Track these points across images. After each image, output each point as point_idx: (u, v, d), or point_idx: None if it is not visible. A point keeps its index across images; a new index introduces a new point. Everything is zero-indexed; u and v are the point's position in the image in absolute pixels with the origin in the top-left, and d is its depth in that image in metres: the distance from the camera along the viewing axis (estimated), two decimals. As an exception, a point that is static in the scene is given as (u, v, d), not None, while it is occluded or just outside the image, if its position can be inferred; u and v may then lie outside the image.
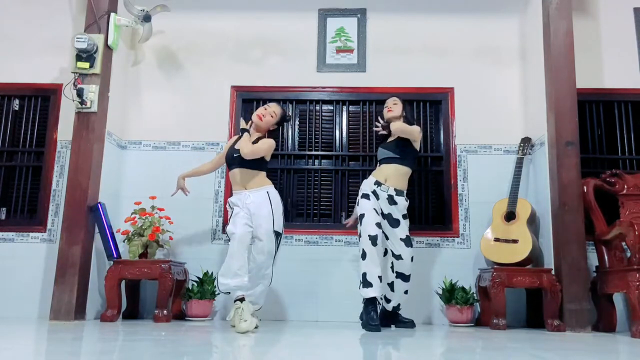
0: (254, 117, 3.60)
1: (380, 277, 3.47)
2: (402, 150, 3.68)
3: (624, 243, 3.55)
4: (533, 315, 3.93)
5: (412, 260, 3.59)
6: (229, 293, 3.32)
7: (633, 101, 4.35)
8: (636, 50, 4.38)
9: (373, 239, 3.48)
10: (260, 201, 3.42)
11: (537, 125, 4.10)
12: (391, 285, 3.63)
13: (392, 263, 3.62)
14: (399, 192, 3.63)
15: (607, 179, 3.93)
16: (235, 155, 3.49)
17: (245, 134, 3.46)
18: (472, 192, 4.28)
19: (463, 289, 3.90)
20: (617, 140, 4.33)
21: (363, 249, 3.49)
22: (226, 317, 3.45)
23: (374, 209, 3.57)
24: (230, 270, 3.25)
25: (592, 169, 4.15)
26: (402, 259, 3.57)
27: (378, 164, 3.79)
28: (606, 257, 3.71)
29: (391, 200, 3.60)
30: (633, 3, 4.46)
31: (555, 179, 3.78)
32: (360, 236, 3.56)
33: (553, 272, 3.70)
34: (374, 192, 3.62)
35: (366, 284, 3.45)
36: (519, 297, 4.03)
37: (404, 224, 3.62)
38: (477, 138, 4.37)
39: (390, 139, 3.78)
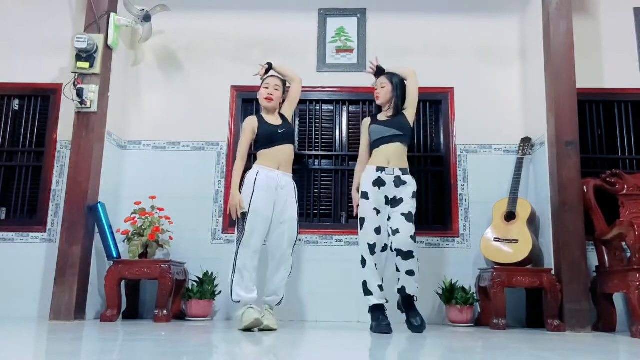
0: (263, 101, 3.52)
1: (380, 287, 3.35)
2: (403, 126, 3.48)
3: (624, 243, 3.55)
4: (533, 315, 3.93)
5: (413, 238, 3.30)
6: (239, 302, 3.31)
7: (633, 101, 4.35)
8: (636, 50, 4.39)
9: (371, 248, 3.33)
10: (289, 188, 3.46)
11: (537, 125, 4.10)
12: (396, 266, 3.33)
13: (391, 241, 3.34)
14: (405, 171, 3.43)
15: (607, 179, 3.93)
16: (280, 131, 3.47)
17: None
18: (472, 192, 4.28)
19: (463, 289, 3.90)
20: (617, 140, 4.33)
21: (362, 256, 3.37)
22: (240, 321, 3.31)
23: (375, 208, 3.36)
24: (244, 284, 3.28)
25: (592, 169, 4.14)
26: (398, 232, 3.29)
27: (373, 147, 3.49)
28: (606, 257, 3.71)
29: (399, 182, 3.39)
30: (633, 3, 4.46)
31: (555, 179, 3.78)
32: (359, 240, 3.41)
33: (553, 272, 3.70)
34: (378, 180, 3.38)
35: (367, 292, 3.36)
36: (519, 297, 4.03)
37: (410, 202, 3.37)
38: (477, 138, 4.37)
39: (386, 116, 3.55)
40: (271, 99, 3.53)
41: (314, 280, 4.16)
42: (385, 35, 4.57)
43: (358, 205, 3.47)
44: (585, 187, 3.81)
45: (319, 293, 4.14)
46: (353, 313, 4.07)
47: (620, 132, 4.34)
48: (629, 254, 3.45)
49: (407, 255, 3.28)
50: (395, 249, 3.30)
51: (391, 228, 3.36)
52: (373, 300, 3.34)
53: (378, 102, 3.61)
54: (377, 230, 3.36)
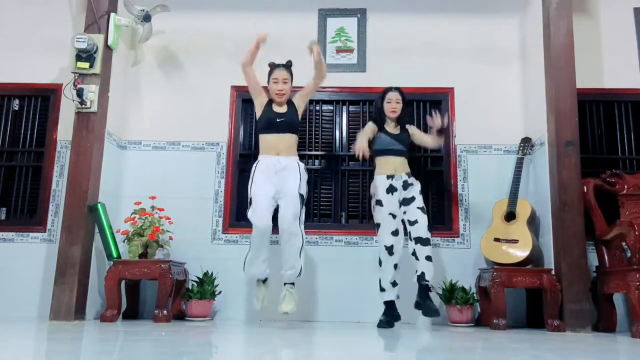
0: (274, 97, 3.58)
1: (393, 283, 3.61)
2: (407, 143, 3.77)
3: (624, 243, 3.55)
4: (533, 315, 3.93)
5: (428, 227, 3.61)
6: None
7: (633, 101, 4.35)
8: (636, 50, 4.38)
9: (389, 250, 3.58)
10: (291, 167, 3.50)
11: (537, 125, 4.10)
12: (414, 254, 3.59)
13: (409, 232, 3.63)
14: (409, 174, 3.73)
15: (607, 179, 3.93)
16: (279, 120, 3.52)
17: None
18: (472, 192, 4.28)
19: (463, 289, 3.90)
20: (617, 140, 4.33)
21: (380, 258, 3.64)
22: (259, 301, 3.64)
23: (390, 214, 3.61)
24: (255, 263, 3.47)
25: (592, 169, 4.14)
26: (417, 222, 3.60)
27: (379, 155, 3.74)
28: (606, 257, 3.71)
29: (406, 185, 3.68)
30: (633, 3, 4.46)
31: (555, 179, 3.78)
32: (378, 242, 3.70)
33: (553, 272, 3.69)
34: (390, 187, 3.65)
35: (380, 289, 3.65)
36: (519, 297, 4.03)
37: (420, 198, 3.68)
38: (477, 138, 4.37)
39: (393, 129, 3.78)
40: (282, 95, 3.59)
41: (314, 281, 4.16)
42: (385, 35, 4.57)
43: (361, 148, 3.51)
44: (585, 187, 3.81)
45: (319, 293, 4.14)
46: (353, 313, 4.06)
47: (620, 132, 4.33)
48: (629, 254, 3.46)
49: (426, 241, 3.59)
50: (415, 238, 3.60)
51: (409, 220, 3.64)
52: (384, 296, 3.63)
53: (393, 116, 3.78)
54: (395, 233, 3.62)
